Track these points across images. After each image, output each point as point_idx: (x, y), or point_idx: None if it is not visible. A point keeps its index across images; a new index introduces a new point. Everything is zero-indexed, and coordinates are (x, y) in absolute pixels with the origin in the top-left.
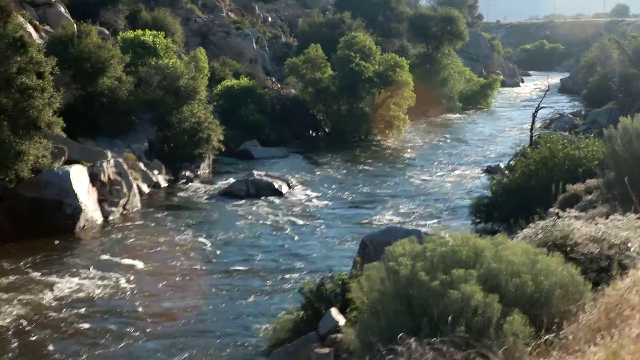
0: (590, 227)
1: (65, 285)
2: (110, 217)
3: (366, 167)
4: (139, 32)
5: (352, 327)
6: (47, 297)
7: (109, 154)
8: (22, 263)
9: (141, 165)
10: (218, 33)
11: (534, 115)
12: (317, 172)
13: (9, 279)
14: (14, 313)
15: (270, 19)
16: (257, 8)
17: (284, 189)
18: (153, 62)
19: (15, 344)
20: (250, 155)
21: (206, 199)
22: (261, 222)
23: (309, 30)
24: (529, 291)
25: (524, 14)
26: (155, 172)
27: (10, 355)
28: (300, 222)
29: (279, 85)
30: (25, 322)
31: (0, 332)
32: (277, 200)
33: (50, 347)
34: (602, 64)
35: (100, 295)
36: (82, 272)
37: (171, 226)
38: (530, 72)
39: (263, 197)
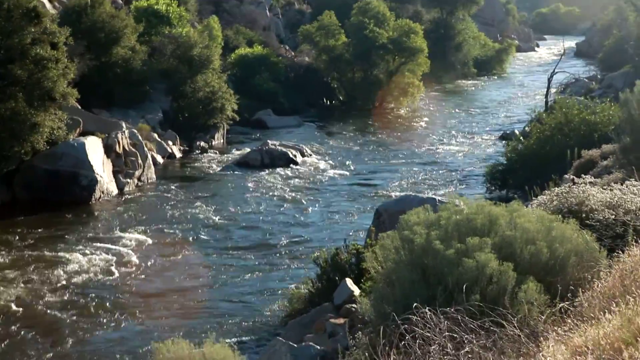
0: (605, 193)
1: (76, 261)
2: (126, 189)
3: (380, 135)
4: (152, 0)
5: (367, 297)
6: (58, 273)
7: (124, 124)
8: (36, 237)
9: (156, 135)
10: (231, 1)
11: (549, 80)
12: (332, 141)
13: (20, 253)
14: (23, 290)
15: None
16: None
17: (299, 158)
18: (166, 31)
19: (22, 322)
20: (264, 124)
21: (221, 169)
22: (275, 192)
23: None
24: (544, 259)
25: None
26: (170, 142)
27: (18, 333)
28: (315, 192)
29: (293, 53)
30: (33, 300)
31: (7, 310)
32: (291, 170)
33: (58, 326)
34: (618, 27)
35: (111, 271)
36: (94, 248)
37: (185, 198)
38: (546, 36)
39: (278, 167)
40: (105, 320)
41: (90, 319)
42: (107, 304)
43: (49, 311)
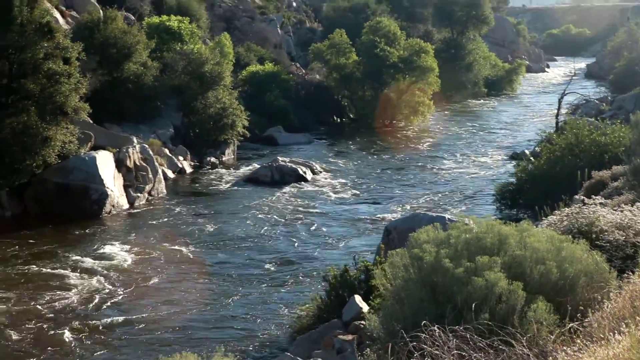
0: (615, 214)
1: (81, 276)
2: (136, 203)
3: (390, 154)
4: (164, 17)
5: (376, 314)
6: (62, 289)
7: (135, 139)
8: (43, 251)
9: (166, 151)
10: (243, 18)
11: (559, 101)
12: (342, 159)
13: (26, 267)
14: (26, 305)
15: (294, 4)
16: None
17: (309, 175)
18: (178, 48)
19: (20, 339)
20: (275, 141)
21: (230, 185)
22: (285, 209)
23: (333, 15)
24: (554, 278)
25: None
26: (181, 157)
27: (13, 351)
28: (325, 209)
29: (304, 71)
30: (34, 316)
31: (2, 328)
32: (301, 187)
33: (58, 343)
34: (628, 49)
35: (117, 287)
36: (100, 263)
37: (194, 213)
38: (556, 57)
39: (287, 184)
40: (108, 337)
41: (93, 335)
42: (111, 320)
43: (50, 328)
